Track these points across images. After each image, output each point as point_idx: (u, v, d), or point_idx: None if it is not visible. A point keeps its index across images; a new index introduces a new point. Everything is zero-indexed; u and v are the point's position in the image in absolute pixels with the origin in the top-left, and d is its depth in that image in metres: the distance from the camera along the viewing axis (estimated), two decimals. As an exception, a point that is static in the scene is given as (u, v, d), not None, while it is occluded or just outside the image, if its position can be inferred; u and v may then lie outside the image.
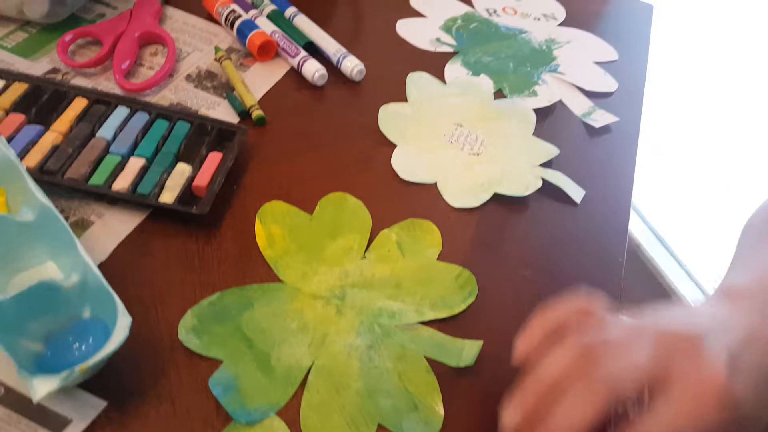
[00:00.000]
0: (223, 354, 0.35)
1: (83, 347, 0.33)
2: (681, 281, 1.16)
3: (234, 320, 0.37)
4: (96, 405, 0.32)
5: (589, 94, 0.61)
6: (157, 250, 0.40)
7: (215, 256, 0.40)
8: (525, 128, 0.54)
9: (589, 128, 0.57)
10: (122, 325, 0.31)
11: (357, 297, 0.40)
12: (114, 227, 0.40)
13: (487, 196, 0.48)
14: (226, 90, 0.52)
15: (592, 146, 0.56)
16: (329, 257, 0.42)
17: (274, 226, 0.43)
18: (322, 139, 0.50)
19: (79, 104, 0.45)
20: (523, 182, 0.49)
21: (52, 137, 0.42)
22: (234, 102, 0.50)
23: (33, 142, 0.42)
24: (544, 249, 0.46)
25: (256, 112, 0.49)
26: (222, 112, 0.50)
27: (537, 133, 0.54)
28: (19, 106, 0.44)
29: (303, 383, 0.35)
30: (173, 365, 0.34)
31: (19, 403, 0.31)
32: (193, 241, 0.41)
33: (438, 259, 0.44)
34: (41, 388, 0.29)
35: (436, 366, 0.37)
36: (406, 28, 0.64)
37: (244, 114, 0.50)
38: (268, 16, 0.59)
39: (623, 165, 0.55)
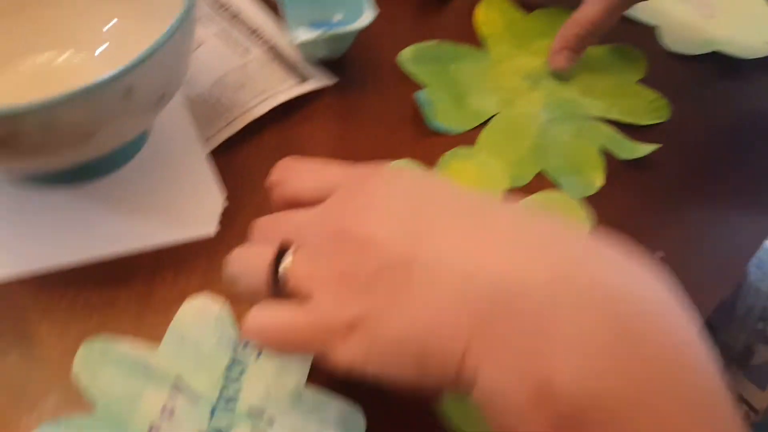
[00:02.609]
0: (429, 81, 0.45)
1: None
2: None
3: (444, 64, 0.47)
4: (331, 78, 0.44)
5: None
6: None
7: (440, 12, 0.51)
8: (762, 6, 0.56)
9: None
10: (368, 14, 0.42)
11: (551, 84, 0.47)
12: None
13: (707, 49, 0.51)
14: None
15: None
16: (535, 50, 0.49)
17: (493, 13, 0.51)
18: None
19: None
20: (748, 48, 0.51)
21: None
22: None
23: None
24: (753, 119, 0.49)
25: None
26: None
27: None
28: None
29: (485, 124, 0.44)
30: (391, 82, 0.46)
31: (280, 57, 0.44)
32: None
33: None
34: (303, 35, 0.41)
35: (606, 157, 0.44)
36: None
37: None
38: None
39: None
